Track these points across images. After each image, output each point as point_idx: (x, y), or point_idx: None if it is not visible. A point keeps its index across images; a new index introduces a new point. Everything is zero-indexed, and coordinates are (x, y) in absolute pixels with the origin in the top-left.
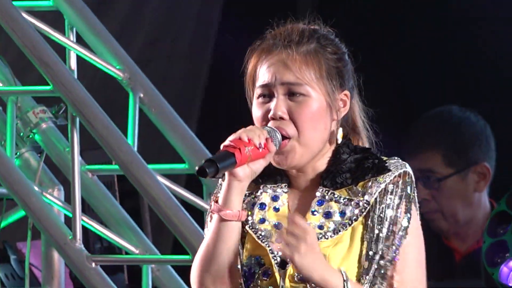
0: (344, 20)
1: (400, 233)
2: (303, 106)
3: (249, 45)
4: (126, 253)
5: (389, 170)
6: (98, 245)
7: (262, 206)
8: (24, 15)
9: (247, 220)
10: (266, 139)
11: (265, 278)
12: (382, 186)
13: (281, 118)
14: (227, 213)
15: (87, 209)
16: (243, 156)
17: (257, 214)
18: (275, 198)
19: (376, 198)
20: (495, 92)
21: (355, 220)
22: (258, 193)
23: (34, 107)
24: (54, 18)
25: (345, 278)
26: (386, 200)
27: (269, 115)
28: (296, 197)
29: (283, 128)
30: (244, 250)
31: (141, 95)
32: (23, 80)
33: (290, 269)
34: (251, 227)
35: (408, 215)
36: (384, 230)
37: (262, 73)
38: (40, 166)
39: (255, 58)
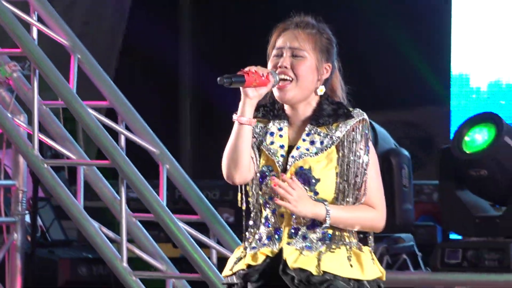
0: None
1: (362, 161)
2: (301, 62)
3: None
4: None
5: (353, 117)
6: (49, 152)
7: (272, 134)
8: (4, 2)
9: (262, 143)
10: (268, 73)
11: (270, 176)
12: (348, 127)
13: (285, 67)
14: (243, 119)
15: (42, 129)
16: (250, 78)
17: (269, 139)
18: (280, 129)
19: (344, 135)
20: None
21: (329, 147)
22: (269, 126)
23: (8, 63)
24: (23, 6)
25: (327, 207)
26: (352, 136)
27: (278, 65)
28: (293, 129)
29: (286, 73)
30: (261, 160)
31: (79, 56)
32: (1, 45)
33: (288, 173)
34: (265, 147)
35: (367, 147)
36: (354, 158)
37: (279, 41)
38: (12, 101)
39: (276, 32)
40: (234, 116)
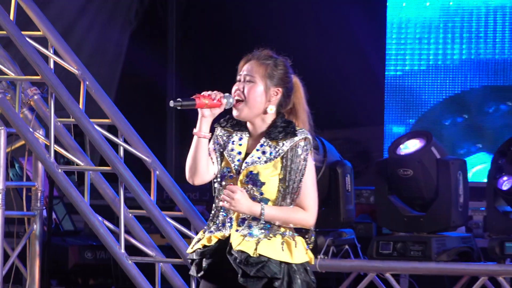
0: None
1: (302, 170)
2: (250, 86)
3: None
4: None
5: (297, 135)
6: (62, 160)
7: (233, 142)
8: (27, 39)
9: (225, 148)
10: (220, 96)
11: (230, 178)
12: (293, 143)
13: (239, 90)
14: (200, 134)
15: (57, 141)
16: (201, 101)
17: (230, 146)
18: (240, 139)
19: (288, 149)
20: None
21: (276, 158)
22: (232, 136)
23: (30, 87)
24: (42, 40)
25: (262, 207)
26: (294, 150)
27: (234, 89)
28: (252, 140)
29: (240, 95)
30: (223, 163)
31: (87, 82)
32: (24, 73)
33: (241, 176)
34: (226, 153)
35: (305, 161)
36: (294, 167)
37: (242, 67)
38: (33, 118)
39: (241, 62)
40: (194, 131)
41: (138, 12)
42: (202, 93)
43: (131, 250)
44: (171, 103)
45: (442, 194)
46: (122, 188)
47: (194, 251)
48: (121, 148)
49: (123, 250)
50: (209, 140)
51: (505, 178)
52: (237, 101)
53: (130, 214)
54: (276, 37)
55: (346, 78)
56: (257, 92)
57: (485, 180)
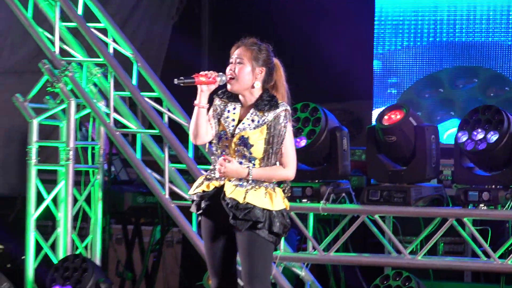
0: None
1: (283, 135)
2: (240, 67)
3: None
4: None
5: (279, 107)
6: (119, 124)
7: (228, 111)
8: (92, 29)
9: (221, 115)
10: (215, 75)
11: (226, 140)
12: (276, 113)
13: (231, 70)
14: (200, 105)
15: (115, 110)
16: (199, 79)
17: (226, 114)
18: (234, 109)
19: (272, 118)
20: None
21: (262, 125)
22: (228, 106)
23: (95, 67)
24: (103, 31)
25: (249, 171)
26: (277, 119)
27: (228, 68)
28: (243, 110)
29: (232, 74)
30: (220, 127)
31: (139, 64)
32: (90, 56)
33: (235, 138)
34: (223, 119)
35: (286, 127)
36: (276, 133)
37: (233, 52)
38: (96, 92)
39: (233, 48)
40: (195, 102)
41: (178, 9)
42: (200, 73)
43: (174, 195)
44: (175, 81)
45: (419, 153)
46: (167, 147)
47: (195, 194)
48: (166, 115)
49: (167, 196)
50: (208, 109)
51: (468, 140)
52: (230, 78)
53: (173, 168)
54: (289, 31)
55: (342, 59)
56: (245, 71)
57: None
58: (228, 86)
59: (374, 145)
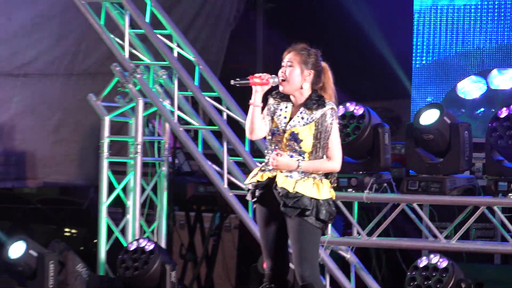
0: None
1: (329, 131)
2: (291, 70)
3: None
4: None
5: (326, 106)
6: (182, 121)
7: (281, 109)
8: (158, 35)
9: (274, 113)
10: (268, 77)
11: (278, 135)
12: (323, 112)
13: (283, 73)
14: (255, 104)
15: (179, 108)
16: (253, 80)
17: (278, 112)
18: (286, 107)
19: (320, 116)
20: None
21: (311, 122)
22: (280, 105)
23: (161, 70)
24: (168, 37)
25: (298, 163)
26: (324, 117)
27: (280, 72)
28: (294, 108)
29: (283, 76)
30: (273, 124)
31: (200, 67)
32: (156, 60)
33: (286, 134)
34: (276, 117)
35: (333, 124)
36: (323, 129)
37: (285, 56)
38: (162, 92)
39: (285, 52)
40: (250, 102)
41: (236, 17)
42: (254, 75)
43: (231, 185)
44: (232, 82)
45: (453, 148)
46: (225, 141)
47: (250, 183)
48: (224, 113)
49: (226, 186)
50: (262, 108)
51: (498, 136)
52: (282, 80)
53: (231, 160)
54: (337, 37)
55: (383, 64)
56: (295, 73)
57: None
58: (280, 88)
59: (413, 140)
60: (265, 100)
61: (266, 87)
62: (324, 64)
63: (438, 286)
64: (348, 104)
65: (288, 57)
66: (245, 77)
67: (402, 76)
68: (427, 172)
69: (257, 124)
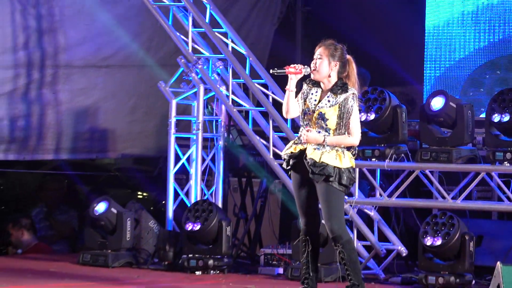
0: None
1: (350, 112)
2: (320, 62)
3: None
4: None
5: (348, 91)
6: (235, 103)
7: (311, 93)
8: (216, 33)
9: (307, 96)
10: (302, 67)
11: (309, 115)
12: (346, 96)
13: (314, 64)
14: (290, 89)
15: (233, 92)
16: (289, 70)
17: (310, 95)
18: (316, 92)
19: (343, 99)
20: None
21: (336, 104)
22: (312, 89)
23: (218, 61)
24: (224, 35)
25: (325, 138)
26: (346, 100)
27: (312, 63)
28: (322, 93)
29: (314, 67)
30: (305, 105)
31: (250, 58)
32: (214, 53)
33: (315, 114)
34: (307, 99)
35: (353, 107)
36: (345, 110)
37: (316, 50)
38: (219, 79)
39: (317, 47)
40: (286, 87)
41: (279, 18)
42: (290, 65)
43: (276, 156)
44: (271, 71)
45: (459, 125)
46: (271, 120)
47: (286, 154)
48: (270, 96)
49: (271, 156)
50: (296, 93)
51: (496, 114)
52: (313, 70)
53: (275, 135)
54: (364, 36)
55: (401, 57)
56: (323, 64)
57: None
58: (312, 76)
59: (425, 119)
60: (299, 87)
61: (299, 76)
62: (349, 56)
63: (447, 238)
64: (372, 89)
65: (318, 51)
66: (282, 68)
67: (414, 66)
68: (437, 145)
69: (291, 106)
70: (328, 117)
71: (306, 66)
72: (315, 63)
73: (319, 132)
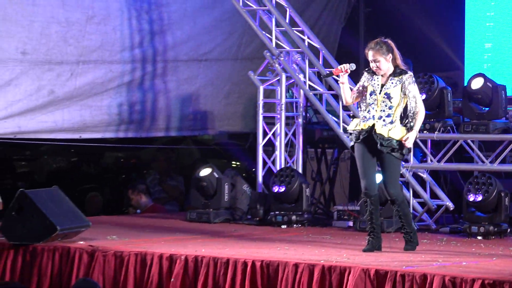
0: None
1: (412, 93)
2: (379, 64)
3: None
4: None
5: (406, 74)
6: (310, 88)
7: (373, 79)
8: (295, 31)
9: (370, 82)
10: (346, 68)
11: (375, 95)
12: (405, 77)
13: (376, 68)
14: (344, 82)
15: (309, 79)
16: (336, 70)
17: (373, 81)
18: (378, 78)
19: (403, 81)
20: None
21: (397, 85)
22: (373, 76)
23: (297, 54)
24: (300, 32)
25: (414, 129)
26: (406, 81)
27: (372, 66)
28: (383, 78)
29: (377, 71)
30: (369, 88)
31: (323, 52)
32: (293, 47)
33: (382, 94)
34: (371, 84)
35: (412, 85)
36: (407, 91)
37: (368, 56)
38: (298, 68)
39: (367, 50)
40: (339, 81)
41: (345, 18)
42: (337, 67)
43: (345, 130)
44: (322, 76)
45: (494, 102)
46: (340, 101)
47: (355, 130)
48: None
49: (341, 130)
50: (350, 85)
51: None
52: (378, 71)
53: (344, 113)
54: (413, 33)
55: (448, 48)
56: (383, 63)
57: None
58: (380, 73)
59: (467, 98)
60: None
61: (346, 73)
62: (389, 41)
63: (486, 194)
64: (422, 74)
65: (371, 55)
66: (330, 71)
67: (457, 54)
68: (477, 119)
69: (347, 95)
70: (393, 96)
71: (351, 65)
72: (378, 67)
73: (383, 110)
